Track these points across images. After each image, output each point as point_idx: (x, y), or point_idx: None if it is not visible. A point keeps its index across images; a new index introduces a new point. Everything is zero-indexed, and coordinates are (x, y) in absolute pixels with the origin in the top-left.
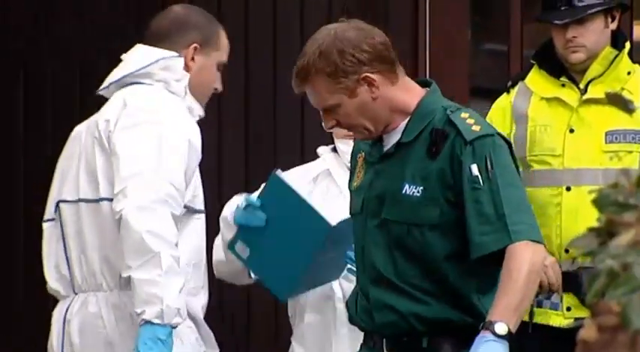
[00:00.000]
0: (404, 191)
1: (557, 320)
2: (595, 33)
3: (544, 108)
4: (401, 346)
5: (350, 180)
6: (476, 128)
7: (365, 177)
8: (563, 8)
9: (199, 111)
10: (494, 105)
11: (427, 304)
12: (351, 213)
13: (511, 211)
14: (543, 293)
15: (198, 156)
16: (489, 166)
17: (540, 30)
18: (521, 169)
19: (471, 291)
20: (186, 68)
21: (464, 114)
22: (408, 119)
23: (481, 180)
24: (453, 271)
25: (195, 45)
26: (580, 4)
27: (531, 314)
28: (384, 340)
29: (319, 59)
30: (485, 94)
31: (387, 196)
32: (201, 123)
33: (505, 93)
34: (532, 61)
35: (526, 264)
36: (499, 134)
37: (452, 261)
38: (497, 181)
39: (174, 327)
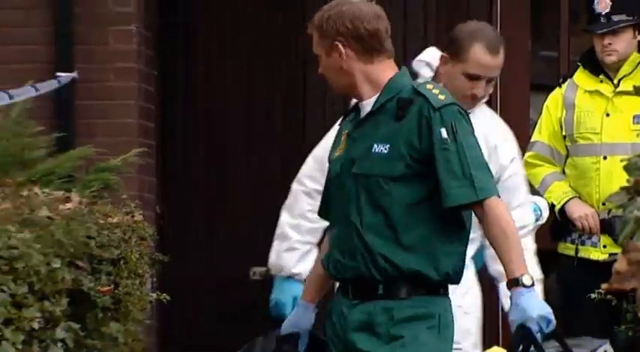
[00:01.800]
0: (373, 149)
1: (596, 254)
2: (625, 41)
3: (587, 98)
4: (362, 291)
5: (331, 152)
6: (441, 97)
7: (344, 147)
8: (602, 22)
9: None
10: (549, 97)
11: (387, 252)
12: (330, 178)
13: (476, 171)
14: (585, 235)
15: (320, 167)
16: (455, 131)
17: (583, 41)
18: (569, 143)
19: (429, 239)
20: (439, 75)
21: (429, 86)
22: (379, 93)
23: (449, 142)
24: (413, 219)
25: (443, 55)
26: (615, 19)
27: (577, 250)
28: (350, 286)
29: (316, 15)
30: (542, 89)
31: (360, 156)
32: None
33: (558, 88)
34: (578, 63)
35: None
36: (458, 104)
37: (412, 210)
38: (463, 144)
39: (288, 277)
